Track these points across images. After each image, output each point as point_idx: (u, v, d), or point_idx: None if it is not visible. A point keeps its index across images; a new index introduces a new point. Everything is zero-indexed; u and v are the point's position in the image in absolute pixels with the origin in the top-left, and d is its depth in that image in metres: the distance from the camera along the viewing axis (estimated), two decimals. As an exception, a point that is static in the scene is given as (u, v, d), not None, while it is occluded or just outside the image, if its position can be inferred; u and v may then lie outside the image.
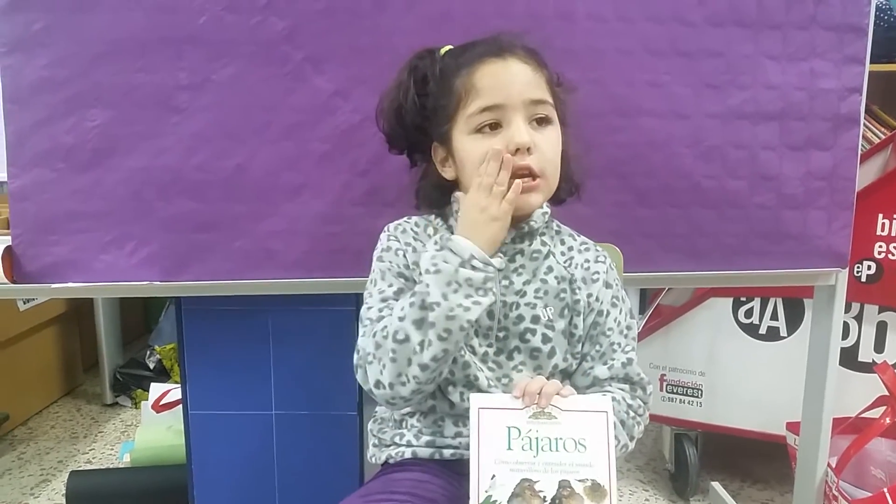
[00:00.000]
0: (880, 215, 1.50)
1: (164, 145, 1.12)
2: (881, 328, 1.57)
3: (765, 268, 1.27)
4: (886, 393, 1.41)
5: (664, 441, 1.83)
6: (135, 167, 1.12)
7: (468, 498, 0.76)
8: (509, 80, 0.88)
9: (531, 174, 0.88)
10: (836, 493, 1.34)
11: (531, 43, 0.92)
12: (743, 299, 1.67)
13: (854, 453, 1.38)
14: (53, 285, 1.14)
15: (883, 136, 1.87)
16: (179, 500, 1.34)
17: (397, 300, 0.88)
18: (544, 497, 0.75)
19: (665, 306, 1.82)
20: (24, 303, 2.14)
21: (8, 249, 1.11)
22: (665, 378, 1.76)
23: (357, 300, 1.11)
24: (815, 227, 1.26)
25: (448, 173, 0.94)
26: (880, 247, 1.52)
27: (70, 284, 1.14)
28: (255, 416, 1.30)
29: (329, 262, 1.17)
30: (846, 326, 1.57)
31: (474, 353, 0.90)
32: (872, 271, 1.53)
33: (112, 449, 2.04)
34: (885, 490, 1.27)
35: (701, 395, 1.72)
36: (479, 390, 0.88)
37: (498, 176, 0.84)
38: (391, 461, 0.93)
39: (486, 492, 0.75)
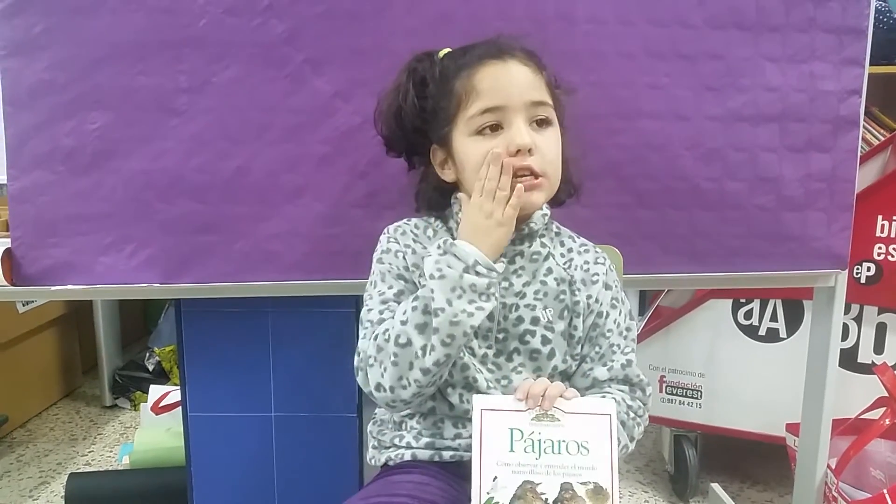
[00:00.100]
0: (880, 217, 1.51)
1: (164, 147, 1.12)
2: (881, 329, 1.57)
3: (764, 269, 1.27)
4: (886, 394, 1.41)
5: (664, 442, 1.83)
6: (135, 169, 1.12)
7: (469, 500, 0.76)
8: (510, 82, 0.88)
9: (532, 174, 0.88)
10: (836, 495, 1.34)
11: (530, 45, 0.93)
12: (742, 301, 1.68)
13: (854, 454, 1.38)
14: (53, 287, 1.14)
15: (882, 138, 1.88)
16: (179, 502, 1.33)
17: (397, 302, 0.88)
18: (546, 499, 0.75)
19: (665, 308, 1.82)
20: (24, 305, 2.13)
21: (7, 252, 1.11)
22: (665, 379, 1.75)
23: (357, 302, 1.11)
24: (814, 228, 1.26)
25: (447, 175, 0.94)
26: (880, 248, 1.52)
27: (70, 287, 1.14)
28: (255, 419, 1.29)
29: (329, 264, 1.17)
30: (846, 328, 1.57)
31: (474, 354, 0.90)
32: (872, 273, 1.53)
33: (111, 451, 2.04)
34: (885, 491, 1.27)
35: (700, 396, 1.72)
36: (478, 392, 0.88)
37: (500, 180, 0.84)
38: (391, 463, 0.93)
39: (488, 493, 0.75)
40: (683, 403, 1.74)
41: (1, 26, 1.08)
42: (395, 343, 0.82)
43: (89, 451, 2.03)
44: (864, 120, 1.32)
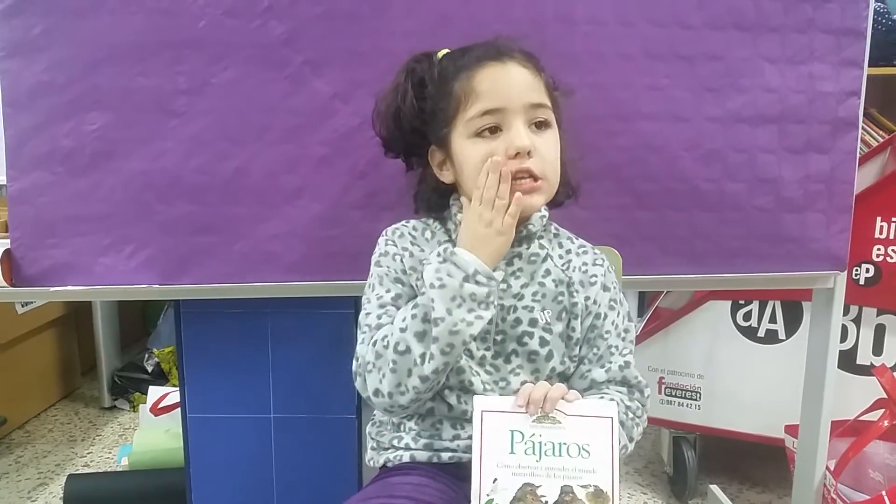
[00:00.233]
0: (878, 218, 1.51)
1: (163, 148, 1.12)
2: (879, 331, 1.58)
3: (763, 271, 1.27)
4: (885, 396, 1.41)
5: (662, 444, 1.83)
6: (134, 170, 1.12)
7: (467, 501, 0.76)
8: (509, 84, 0.88)
9: (532, 176, 0.88)
10: (835, 496, 1.34)
11: (528, 47, 0.93)
12: (741, 302, 1.68)
13: (852, 456, 1.38)
14: (52, 288, 1.13)
15: (881, 140, 1.88)
16: (178, 503, 1.33)
17: (395, 306, 0.88)
18: (546, 502, 0.75)
19: (664, 309, 1.82)
20: (23, 306, 2.13)
21: (7, 253, 1.11)
22: (664, 381, 1.75)
23: (356, 303, 1.10)
24: (813, 229, 1.26)
25: (446, 177, 0.94)
26: (878, 250, 1.52)
27: (69, 288, 1.14)
28: (254, 420, 1.29)
29: (328, 265, 1.16)
30: (844, 329, 1.57)
31: (472, 356, 0.90)
32: (871, 274, 1.53)
33: (110, 452, 2.04)
34: (884, 493, 1.27)
35: (699, 397, 1.72)
36: (475, 394, 0.88)
37: (498, 189, 0.84)
38: (389, 465, 0.93)
39: (488, 495, 0.75)
40: (682, 405, 1.74)
41: (0, 27, 1.08)
42: (394, 350, 0.82)
43: (88, 453, 2.03)
44: (863, 121, 1.32)
